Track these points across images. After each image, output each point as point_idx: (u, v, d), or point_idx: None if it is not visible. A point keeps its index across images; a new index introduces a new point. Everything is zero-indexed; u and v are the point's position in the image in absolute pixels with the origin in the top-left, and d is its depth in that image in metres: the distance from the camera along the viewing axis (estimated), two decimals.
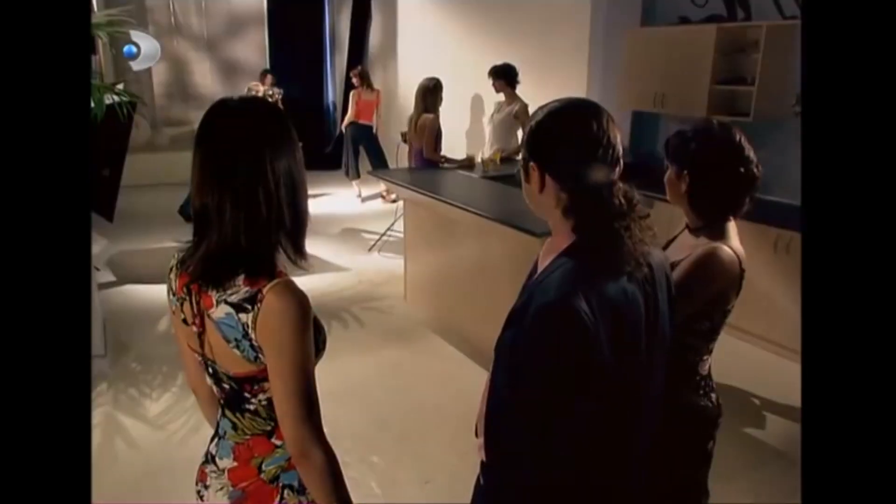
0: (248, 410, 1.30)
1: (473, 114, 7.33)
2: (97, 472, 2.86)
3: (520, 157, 1.23)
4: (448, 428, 3.29)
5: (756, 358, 4.13)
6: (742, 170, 1.70)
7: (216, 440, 1.39)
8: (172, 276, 1.30)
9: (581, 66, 5.75)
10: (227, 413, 1.34)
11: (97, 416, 3.38)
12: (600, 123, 1.18)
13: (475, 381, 1.51)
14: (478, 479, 1.40)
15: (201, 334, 1.25)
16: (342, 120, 8.49)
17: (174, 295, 1.30)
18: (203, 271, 1.20)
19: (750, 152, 1.72)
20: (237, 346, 1.21)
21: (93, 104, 3.51)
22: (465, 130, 7.57)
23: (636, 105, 5.53)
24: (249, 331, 1.18)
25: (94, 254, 5.04)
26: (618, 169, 1.21)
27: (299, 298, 1.18)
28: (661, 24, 5.46)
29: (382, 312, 4.88)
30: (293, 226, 1.22)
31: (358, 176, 8.00)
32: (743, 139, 1.73)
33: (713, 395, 1.82)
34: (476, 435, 1.45)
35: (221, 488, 1.35)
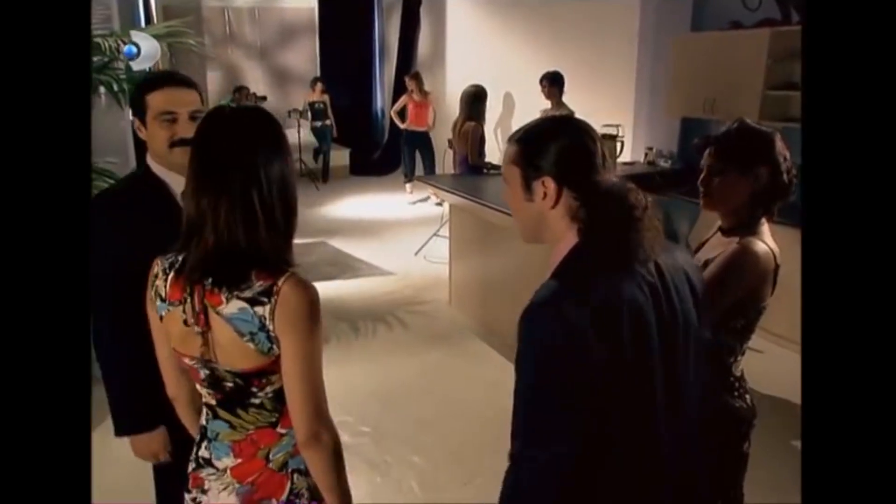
0: (254, 405, 1.33)
1: (519, 120, 7.33)
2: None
3: (521, 177, 1.29)
4: (489, 431, 3.30)
5: None
6: (776, 171, 1.73)
7: (206, 443, 1.41)
8: (160, 282, 1.33)
9: (629, 72, 5.71)
10: (222, 413, 1.36)
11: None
12: (597, 137, 1.27)
13: None
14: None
15: (205, 333, 1.27)
16: (396, 124, 8.74)
17: (164, 300, 1.32)
18: (213, 270, 1.24)
19: (786, 153, 1.74)
20: (252, 340, 1.25)
21: None
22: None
23: (685, 111, 5.46)
24: (267, 322, 1.23)
25: None
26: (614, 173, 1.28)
27: (311, 290, 1.27)
28: (712, 28, 5.38)
29: (427, 316, 4.93)
30: (284, 227, 1.27)
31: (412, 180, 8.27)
32: (780, 140, 1.75)
33: (747, 397, 1.83)
34: None
35: (226, 487, 1.37)
